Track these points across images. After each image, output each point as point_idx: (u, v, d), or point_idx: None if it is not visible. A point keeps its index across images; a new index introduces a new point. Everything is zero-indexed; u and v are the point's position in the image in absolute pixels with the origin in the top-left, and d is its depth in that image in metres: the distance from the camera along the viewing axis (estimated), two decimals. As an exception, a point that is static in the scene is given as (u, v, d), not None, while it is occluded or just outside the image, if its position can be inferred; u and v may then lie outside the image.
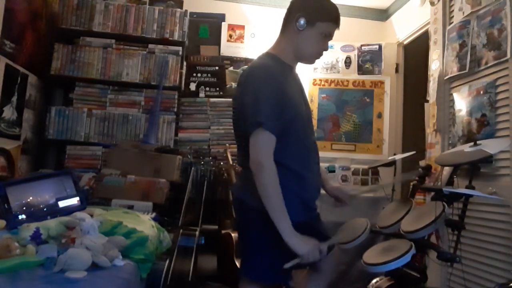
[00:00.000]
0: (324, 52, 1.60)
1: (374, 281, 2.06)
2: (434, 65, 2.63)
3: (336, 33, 1.58)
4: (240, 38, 3.36)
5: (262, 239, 1.45)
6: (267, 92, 1.41)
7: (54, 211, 1.55)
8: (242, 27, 3.37)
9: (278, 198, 1.36)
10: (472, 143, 1.84)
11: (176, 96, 2.85)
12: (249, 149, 1.41)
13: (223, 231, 2.57)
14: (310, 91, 3.37)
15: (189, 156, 2.70)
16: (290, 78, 1.56)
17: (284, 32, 1.56)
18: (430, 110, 2.62)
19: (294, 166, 1.47)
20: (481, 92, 2.13)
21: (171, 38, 2.84)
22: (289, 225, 1.35)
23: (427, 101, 2.69)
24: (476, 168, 1.89)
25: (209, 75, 3.14)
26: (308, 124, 1.59)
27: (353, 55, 3.40)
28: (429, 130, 2.64)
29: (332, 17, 1.51)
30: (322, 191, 1.68)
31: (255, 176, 1.38)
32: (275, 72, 1.47)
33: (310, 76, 3.38)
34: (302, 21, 1.47)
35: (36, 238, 1.28)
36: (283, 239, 1.34)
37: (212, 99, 3.03)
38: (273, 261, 1.43)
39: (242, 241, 1.58)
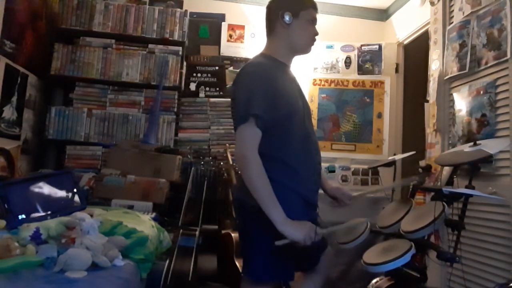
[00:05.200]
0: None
1: (374, 281, 2.06)
2: (434, 65, 2.63)
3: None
4: (240, 38, 3.36)
5: (262, 239, 1.44)
6: (258, 87, 1.43)
7: (54, 211, 1.55)
8: (242, 27, 3.37)
9: (266, 188, 1.36)
10: (472, 143, 1.85)
11: (176, 96, 2.85)
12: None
13: (223, 231, 2.57)
14: (310, 91, 3.37)
15: (189, 156, 2.70)
16: (285, 75, 1.58)
17: (272, 34, 1.60)
18: (430, 110, 2.61)
19: (293, 163, 1.48)
20: (481, 92, 2.13)
21: (171, 38, 2.84)
22: (280, 214, 1.36)
23: (427, 101, 2.69)
24: (476, 168, 1.89)
25: (209, 75, 3.14)
26: (307, 121, 1.60)
27: (353, 55, 3.40)
28: (429, 130, 2.64)
29: (311, 3, 1.60)
30: (321, 191, 1.68)
31: (241, 169, 1.40)
32: (268, 68, 1.50)
33: (310, 76, 3.38)
34: (287, 17, 1.54)
35: (36, 238, 1.27)
36: (277, 229, 1.34)
37: (212, 99, 3.04)
38: (274, 261, 1.43)
39: (242, 241, 1.58)
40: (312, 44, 1.63)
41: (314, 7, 1.60)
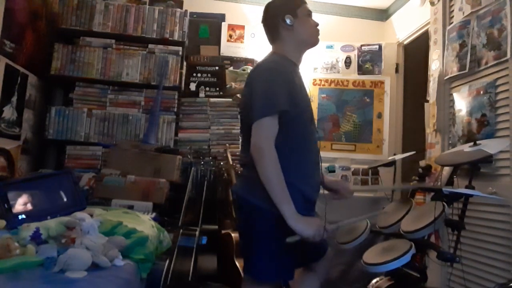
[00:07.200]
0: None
1: (374, 281, 2.06)
2: (434, 65, 2.63)
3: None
4: (240, 38, 3.36)
5: (265, 238, 1.45)
6: (279, 82, 1.45)
7: (54, 211, 1.55)
8: (242, 27, 3.37)
9: (280, 182, 1.37)
10: (472, 143, 1.85)
11: (176, 96, 2.84)
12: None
13: (223, 231, 2.57)
14: (310, 91, 3.37)
15: (189, 156, 2.69)
16: (297, 74, 1.61)
17: (277, 39, 1.63)
18: (430, 110, 2.62)
19: (296, 160, 1.48)
20: (481, 92, 2.14)
21: (171, 38, 2.84)
22: (292, 209, 1.36)
23: (427, 101, 2.69)
24: (476, 168, 1.89)
25: (209, 75, 3.14)
26: (311, 120, 1.62)
27: (353, 55, 3.40)
28: (429, 130, 2.64)
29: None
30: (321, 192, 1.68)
31: (256, 162, 1.39)
32: (283, 65, 1.53)
33: (310, 76, 3.38)
34: (288, 20, 1.58)
35: (36, 238, 1.27)
36: (287, 223, 1.34)
37: (212, 99, 3.03)
38: (276, 260, 1.43)
39: (244, 240, 1.58)
40: (318, 35, 1.68)
41: (305, 1, 1.65)
